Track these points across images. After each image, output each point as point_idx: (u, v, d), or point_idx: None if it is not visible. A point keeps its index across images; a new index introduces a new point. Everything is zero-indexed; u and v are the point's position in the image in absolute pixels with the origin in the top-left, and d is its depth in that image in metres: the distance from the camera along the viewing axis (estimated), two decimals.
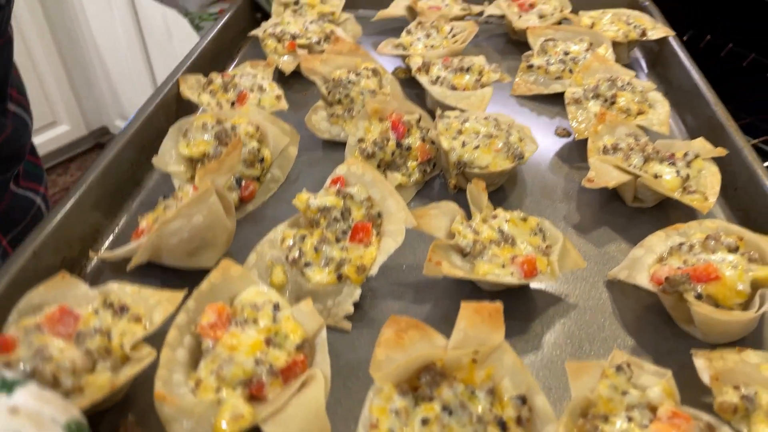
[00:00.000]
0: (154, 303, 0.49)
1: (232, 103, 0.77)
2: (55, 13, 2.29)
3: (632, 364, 0.46)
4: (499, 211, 0.61)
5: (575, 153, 0.79)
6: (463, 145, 0.69)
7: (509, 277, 0.54)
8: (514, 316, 0.55)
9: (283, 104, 0.77)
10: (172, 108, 0.78)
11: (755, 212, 0.66)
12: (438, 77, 0.83)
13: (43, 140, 2.31)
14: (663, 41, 0.97)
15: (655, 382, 0.45)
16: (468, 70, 0.83)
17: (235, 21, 1.01)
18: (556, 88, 0.89)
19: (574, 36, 0.94)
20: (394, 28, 1.07)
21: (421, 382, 0.44)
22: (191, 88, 0.79)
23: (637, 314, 0.57)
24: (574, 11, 1.03)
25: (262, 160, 0.69)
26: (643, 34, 0.96)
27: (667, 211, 0.69)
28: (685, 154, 0.68)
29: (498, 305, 0.45)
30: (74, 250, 0.59)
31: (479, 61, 0.85)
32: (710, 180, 0.66)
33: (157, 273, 0.58)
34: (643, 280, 0.56)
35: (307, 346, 0.47)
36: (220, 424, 0.41)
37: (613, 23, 0.99)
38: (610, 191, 0.71)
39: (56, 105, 2.35)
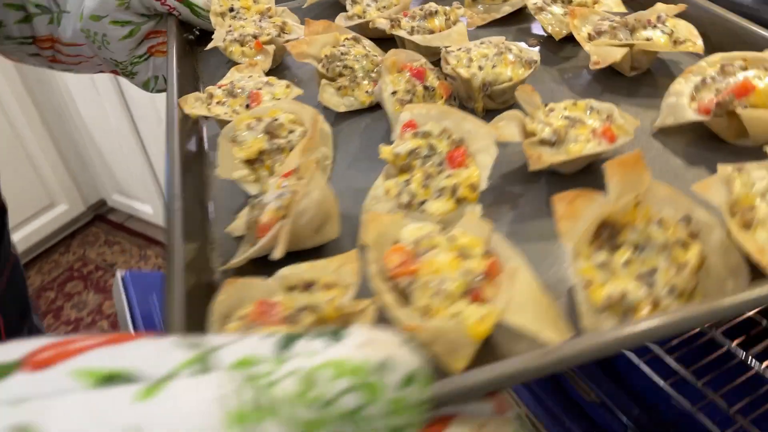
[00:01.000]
0: (335, 267, 0.50)
1: (247, 106, 0.76)
2: (43, 100, 2.27)
3: (740, 167, 0.54)
4: (551, 105, 0.67)
5: (556, 54, 0.87)
6: (480, 68, 0.75)
7: (603, 145, 0.61)
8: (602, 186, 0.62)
9: (298, 90, 0.78)
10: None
11: (721, 43, 0.78)
12: (412, 27, 0.88)
13: (43, 222, 2.26)
14: None
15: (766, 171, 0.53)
16: (435, 13, 0.88)
17: (180, 46, 0.99)
18: (506, 9, 0.97)
19: None
20: (328, 7, 1.10)
21: (602, 237, 0.49)
22: (195, 106, 0.77)
23: (695, 148, 0.66)
24: None
25: None
26: None
27: (661, 73, 0.79)
28: (658, 17, 0.78)
29: (636, 152, 0.51)
30: None
31: (436, 5, 0.90)
32: (687, 29, 0.77)
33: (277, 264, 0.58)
34: (691, 115, 0.65)
35: (488, 251, 0.50)
36: (475, 326, 0.43)
37: None
38: (607, 69, 0.80)
39: (52, 187, 2.37)
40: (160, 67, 1.09)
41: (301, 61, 0.82)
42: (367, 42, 0.87)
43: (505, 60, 0.75)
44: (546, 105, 0.68)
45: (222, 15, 1.01)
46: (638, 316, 0.45)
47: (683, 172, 0.63)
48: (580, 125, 0.63)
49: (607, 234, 0.49)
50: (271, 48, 0.92)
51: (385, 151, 0.62)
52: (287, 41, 0.87)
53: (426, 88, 0.74)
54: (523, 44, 0.80)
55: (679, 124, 0.66)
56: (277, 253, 0.54)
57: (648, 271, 0.47)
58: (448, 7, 0.90)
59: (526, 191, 0.64)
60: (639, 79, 0.79)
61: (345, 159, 0.73)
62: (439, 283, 0.47)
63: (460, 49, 0.79)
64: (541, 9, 0.88)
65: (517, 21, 0.97)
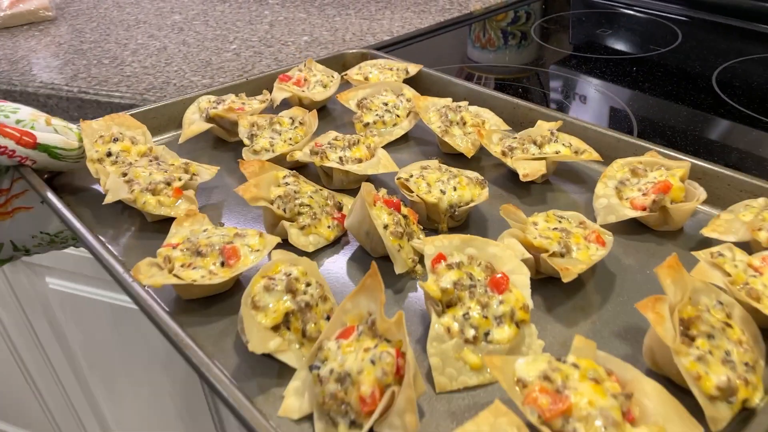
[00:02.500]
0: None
1: (222, 263, 0.66)
2: None
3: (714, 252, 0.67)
4: (532, 219, 0.74)
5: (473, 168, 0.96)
6: (443, 192, 0.79)
7: (601, 249, 0.69)
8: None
9: (274, 237, 0.70)
10: None
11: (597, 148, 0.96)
12: (340, 158, 0.88)
13: None
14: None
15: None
16: (357, 143, 0.90)
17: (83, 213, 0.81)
18: (398, 132, 1.03)
19: (375, 89, 1.10)
20: (201, 140, 1.03)
21: (683, 334, 0.56)
22: (153, 275, 0.65)
23: (631, 239, 0.79)
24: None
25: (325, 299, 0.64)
26: (407, 72, 1.18)
27: (560, 179, 0.93)
28: (552, 132, 0.92)
29: (674, 256, 0.60)
30: None
31: (349, 136, 0.92)
32: (578, 141, 0.93)
33: None
34: (629, 213, 0.78)
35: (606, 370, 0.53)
36: None
37: (376, 67, 1.19)
38: (516, 177, 0.90)
39: None
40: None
41: (254, 205, 0.75)
42: (301, 176, 0.84)
43: (461, 182, 0.80)
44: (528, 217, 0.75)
45: (99, 161, 0.87)
46: (740, 397, 0.53)
47: (647, 257, 0.76)
48: (573, 235, 0.71)
49: (681, 329, 0.56)
50: (190, 193, 0.82)
51: (430, 288, 0.61)
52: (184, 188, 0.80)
53: (404, 217, 0.75)
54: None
55: (620, 220, 0.79)
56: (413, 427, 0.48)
57: (725, 354, 0.55)
58: (362, 136, 0.93)
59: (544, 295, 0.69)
60: (548, 185, 0.92)
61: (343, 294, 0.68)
62: (599, 414, 0.47)
63: (411, 176, 0.82)
64: (446, 132, 0.96)
65: (416, 144, 1.04)
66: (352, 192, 0.88)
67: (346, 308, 0.58)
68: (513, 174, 0.90)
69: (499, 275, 0.63)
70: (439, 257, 0.64)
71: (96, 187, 0.89)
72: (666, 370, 0.58)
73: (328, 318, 0.62)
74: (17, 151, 0.83)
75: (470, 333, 0.59)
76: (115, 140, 0.89)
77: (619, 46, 1.31)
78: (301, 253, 0.75)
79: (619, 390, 0.50)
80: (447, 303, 0.62)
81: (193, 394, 1.40)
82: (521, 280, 0.64)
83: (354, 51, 1.31)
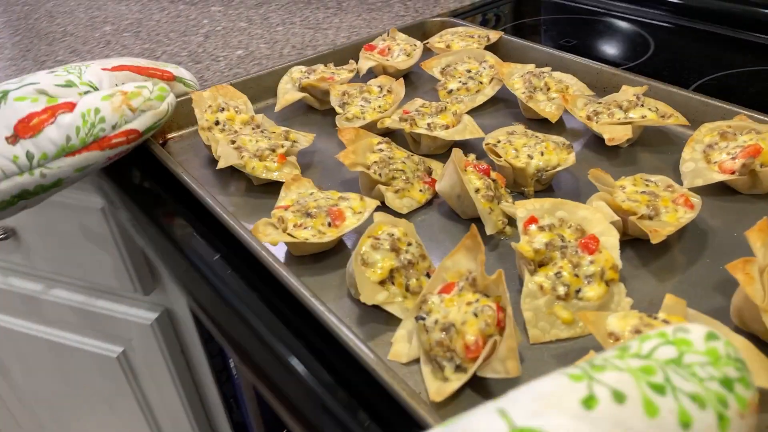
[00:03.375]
0: None
1: (329, 224, 0.73)
2: None
3: None
4: (620, 182, 0.77)
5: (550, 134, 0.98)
6: (530, 157, 0.82)
7: (689, 213, 0.71)
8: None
9: (373, 201, 0.77)
10: None
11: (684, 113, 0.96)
12: (428, 124, 0.92)
13: None
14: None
15: None
16: (445, 109, 0.94)
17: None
18: (481, 99, 1.06)
19: (457, 57, 1.13)
20: (297, 109, 1.10)
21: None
22: (270, 233, 0.72)
23: (720, 201, 0.81)
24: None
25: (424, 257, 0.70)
26: (488, 39, 1.20)
27: (647, 143, 0.94)
28: (637, 97, 0.93)
29: (765, 219, 0.61)
30: None
31: (436, 104, 0.96)
32: (659, 104, 0.93)
33: None
34: (718, 176, 0.79)
35: None
36: None
37: (457, 36, 1.21)
38: (602, 142, 0.92)
39: None
40: None
41: (353, 170, 0.81)
42: (392, 142, 0.89)
43: (548, 147, 0.83)
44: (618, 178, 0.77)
45: (209, 129, 0.95)
46: None
47: (733, 221, 0.77)
48: (661, 198, 0.73)
49: None
50: (293, 158, 0.89)
51: (524, 248, 0.66)
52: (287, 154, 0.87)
53: (494, 181, 0.79)
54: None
55: (707, 184, 0.80)
56: (515, 371, 0.53)
57: None
58: (448, 103, 0.97)
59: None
60: (634, 149, 0.93)
61: (436, 255, 0.74)
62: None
63: (499, 141, 0.86)
64: (530, 97, 0.99)
65: (496, 108, 1.07)
66: (440, 157, 0.93)
67: (446, 266, 0.63)
68: (598, 139, 0.92)
69: (589, 237, 0.67)
70: (532, 219, 0.68)
71: (199, 155, 0.98)
72: (754, 329, 0.60)
73: (428, 275, 0.68)
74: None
75: (562, 290, 0.63)
76: (222, 110, 0.96)
77: (590, 56, 1.09)
78: (396, 214, 0.80)
79: None
80: (539, 263, 0.66)
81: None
82: (611, 241, 0.67)
83: (434, 19, 1.33)
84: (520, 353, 0.61)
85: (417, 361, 0.60)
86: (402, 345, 0.61)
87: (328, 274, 0.73)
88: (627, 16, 1.44)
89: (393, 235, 0.68)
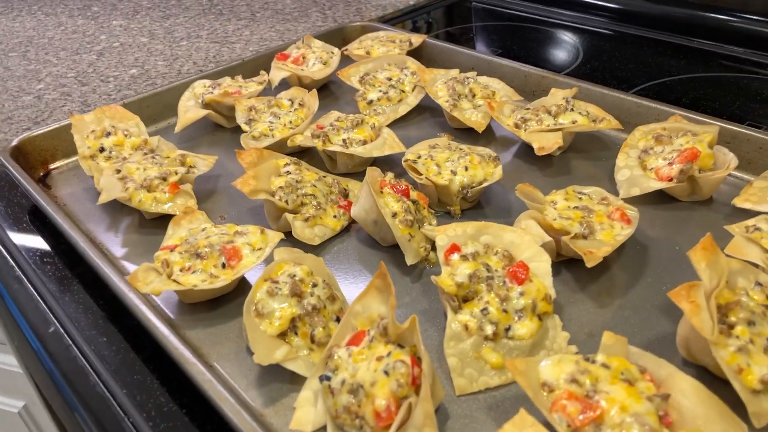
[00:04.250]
0: None
1: (223, 265, 0.63)
2: None
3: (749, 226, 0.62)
4: (550, 197, 0.69)
5: (476, 144, 0.91)
6: (453, 173, 0.74)
7: (627, 228, 0.64)
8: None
9: (277, 233, 0.67)
10: None
11: (617, 116, 0.90)
12: (344, 140, 0.83)
13: None
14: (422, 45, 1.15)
15: None
16: (360, 122, 0.85)
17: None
18: (404, 109, 0.98)
19: (377, 64, 1.04)
20: (200, 128, 0.99)
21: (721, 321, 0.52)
22: (152, 282, 0.61)
23: (659, 210, 0.74)
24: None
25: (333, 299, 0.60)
26: (410, 44, 1.12)
27: (579, 149, 0.88)
28: (567, 101, 0.87)
29: (709, 236, 0.54)
30: None
31: (352, 117, 0.87)
32: (595, 109, 0.87)
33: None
34: (656, 184, 0.73)
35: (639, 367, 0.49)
36: None
37: (377, 41, 1.13)
38: (532, 151, 0.85)
39: None
40: None
41: (254, 198, 0.71)
42: (303, 162, 0.80)
43: (473, 161, 0.75)
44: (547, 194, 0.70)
45: (92, 157, 0.83)
46: None
47: (673, 232, 0.71)
48: (595, 213, 0.66)
49: (719, 316, 0.52)
50: (187, 187, 0.78)
51: (444, 283, 0.57)
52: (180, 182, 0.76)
53: (414, 202, 0.70)
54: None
55: (644, 193, 0.74)
56: None
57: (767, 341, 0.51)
58: (366, 115, 0.88)
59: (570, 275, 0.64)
60: (567, 156, 0.86)
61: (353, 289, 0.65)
62: (634, 420, 0.44)
63: (419, 157, 0.77)
64: (454, 106, 0.91)
65: (421, 117, 0.99)
66: (359, 176, 0.84)
67: (355, 311, 0.54)
68: (528, 147, 0.85)
69: (518, 264, 0.59)
70: (453, 248, 0.60)
71: (87, 187, 0.86)
72: (703, 362, 0.53)
73: (338, 320, 0.58)
74: None
75: (489, 329, 0.55)
76: (108, 134, 0.85)
77: (522, 64, 1.00)
78: (307, 247, 0.71)
79: (654, 391, 0.46)
80: (463, 297, 0.58)
81: None
82: (542, 267, 0.59)
83: (354, 24, 1.24)
84: (445, 409, 0.52)
85: (324, 428, 0.51)
86: (306, 410, 0.52)
87: (224, 324, 0.62)
88: (560, 22, 1.37)
89: (294, 276, 0.58)
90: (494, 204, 0.78)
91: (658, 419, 0.44)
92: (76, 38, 1.41)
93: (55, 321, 0.64)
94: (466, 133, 0.93)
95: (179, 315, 0.64)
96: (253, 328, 0.54)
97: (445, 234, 0.61)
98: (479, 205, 0.78)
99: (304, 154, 0.90)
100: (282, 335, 0.55)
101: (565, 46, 1.25)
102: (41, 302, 0.68)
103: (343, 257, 0.71)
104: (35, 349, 0.64)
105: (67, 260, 0.73)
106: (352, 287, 0.66)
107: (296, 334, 0.56)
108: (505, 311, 0.56)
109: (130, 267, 0.71)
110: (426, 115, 1.00)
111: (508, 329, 0.55)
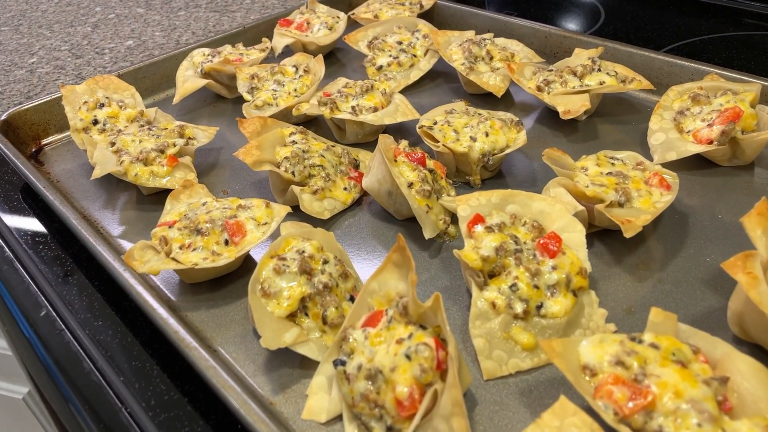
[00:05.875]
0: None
1: (226, 241, 0.58)
2: None
3: None
4: (580, 163, 0.64)
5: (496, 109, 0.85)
6: (473, 139, 0.68)
7: (666, 195, 0.59)
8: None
9: (284, 207, 0.61)
10: None
11: (647, 75, 0.83)
12: (353, 107, 0.77)
13: None
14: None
15: None
16: (370, 88, 0.79)
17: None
18: (416, 74, 0.92)
19: (386, 27, 0.98)
20: (200, 99, 0.93)
21: None
22: (149, 260, 0.56)
23: (697, 176, 0.68)
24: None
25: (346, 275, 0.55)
26: (421, 6, 1.06)
27: (607, 113, 0.82)
28: (593, 60, 0.80)
29: (764, 200, 0.49)
30: None
31: (361, 83, 0.81)
32: (617, 67, 0.80)
33: None
34: (694, 148, 0.67)
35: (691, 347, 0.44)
36: None
37: (385, 4, 1.06)
38: (556, 114, 0.79)
39: None
40: None
41: (258, 170, 0.66)
42: (310, 132, 0.74)
43: (493, 126, 0.69)
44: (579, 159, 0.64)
45: (85, 130, 0.78)
46: None
47: (713, 200, 0.65)
48: (631, 180, 0.60)
49: None
50: (187, 159, 0.73)
51: (469, 257, 0.52)
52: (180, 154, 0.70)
53: (431, 171, 0.65)
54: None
55: (681, 157, 0.68)
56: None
57: None
58: (375, 80, 0.82)
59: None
60: (593, 121, 0.80)
61: (366, 266, 0.60)
62: (691, 407, 0.38)
63: (435, 123, 0.71)
64: (471, 69, 0.85)
65: (434, 84, 0.93)
66: (369, 146, 0.79)
67: (371, 289, 0.49)
68: (552, 112, 0.79)
69: (549, 235, 0.53)
70: (476, 219, 0.55)
71: (81, 162, 0.81)
72: (760, 339, 0.48)
73: (352, 299, 0.53)
74: None
75: (519, 307, 0.50)
76: (101, 106, 0.79)
77: (542, 24, 0.94)
78: (316, 221, 0.66)
79: (710, 373, 0.41)
80: (489, 273, 0.52)
81: None
82: (575, 238, 0.54)
83: None
84: (472, 395, 0.47)
85: (340, 417, 0.46)
86: (320, 398, 0.47)
87: (229, 305, 0.57)
88: None
89: (303, 252, 0.53)
90: (516, 173, 0.72)
91: (717, 405, 0.39)
92: (70, 11, 1.35)
93: (47, 304, 0.60)
94: (483, 99, 0.87)
95: (180, 296, 0.59)
96: (260, 309, 0.49)
97: (467, 204, 0.56)
98: (500, 174, 0.72)
99: (310, 123, 0.85)
100: (291, 316, 0.50)
101: (585, 7, 1.18)
102: (32, 284, 0.63)
103: (355, 232, 0.66)
104: (26, 335, 0.60)
105: (61, 240, 0.69)
106: (365, 264, 0.61)
107: (307, 314, 0.51)
108: (536, 287, 0.50)
109: (127, 246, 0.66)
110: (439, 81, 0.94)
111: (539, 307, 0.50)
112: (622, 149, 0.67)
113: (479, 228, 0.54)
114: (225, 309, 0.57)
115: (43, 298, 0.61)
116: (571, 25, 1.13)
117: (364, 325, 0.47)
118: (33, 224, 0.72)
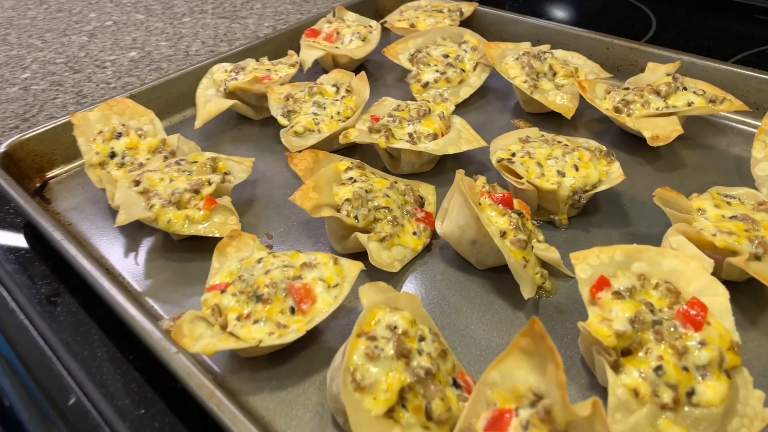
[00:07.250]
0: None
1: (292, 309, 0.48)
2: None
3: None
4: (696, 204, 0.55)
5: (559, 132, 0.76)
6: (561, 174, 0.59)
7: None
8: None
9: (356, 264, 0.52)
10: None
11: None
12: (410, 134, 0.68)
13: None
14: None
15: None
16: (428, 112, 0.70)
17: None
18: (466, 92, 0.82)
19: (428, 38, 0.88)
20: (221, 123, 0.83)
21: None
22: (203, 337, 0.46)
23: None
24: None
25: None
26: (461, 14, 0.96)
27: (693, 135, 0.73)
28: (674, 77, 0.72)
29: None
30: None
31: (414, 104, 0.72)
32: (704, 85, 0.72)
33: None
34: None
35: None
36: None
37: (421, 11, 0.97)
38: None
39: None
40: None
41: (316, 216, 0.56)
42: (366, 165, 0.65)
43: (582, 158, 0.60)
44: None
45: (102, 165, 0.67)
46: None
47: None
48: (762, 225, 0.52)
49: None
50: (226, 200, 0.63)
51: (602, 334, 0.43)
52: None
53: (519, 214, 0.56)
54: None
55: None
56: None
57: None
58: (431, 102, 0.73)
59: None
60: (673, 145, 0.71)
61: (449, 331, 0.50)
62: None
63: (513, 154, 0.62)
64: (535, 87, 0.76)
65: (477, 101, 0.84)
66: (425, 176, 0.70)
67: (491, 380, 0.40)
68: (625, 134, 0.70)
69: (692, 302, 0.44)
70: (601, 282, 0.46)
71: (93, 198, 0.70)
72: None
73: (454, 383, 0.44)
74: None
75: (667, 396, 0.41)
76: (119, 135, 0.69)
77: (603, 34, 0.85)
78: (385, 274, 0.56)
79: None
80: (623, 349, 0.43)
81: None
82: (719, 303, 0.45)
83: None
84: None
85: None
86: None
87: (296, 385, 0.48)
88: None
89: (396, 328, 0.43)
90: (604, 209, 0.64)
91: None
92: (62, 17, 1.23)
93: (77, 388, 0.49)
94: (544, 119, 0.78)
95: (232, 372, 0.49)
96: (356, 409, 0.39)
97: (586, 263, 0.47)
98: (586, 211, 0.63)
99: (353, 150, 0.75)
100: (389, 413, 0.41)
101: (633, 13, 1.09)
102: (56, 363, 0.52)
103: (430, 285, 0.57)
104: (50, 419, 0.50)
105: (80, 299, 0.58)
106: (447, 325, 0.52)
107: (405, 407, 0.41)
108: (685, 368, 0.42)
109: (160, 307, 0.56)
110: (489, 98, 0.85)
111: (690, 393, 0.41)
112: (711, 177, 0.60)
113: (605, 294, 0.45)
114: (292, 391, 0.47)
115: (71, 380, 0.50)
116: (620, 31, 1.04)
117: (489, 429, 0.38)
118: (45, 278, 0.61)
